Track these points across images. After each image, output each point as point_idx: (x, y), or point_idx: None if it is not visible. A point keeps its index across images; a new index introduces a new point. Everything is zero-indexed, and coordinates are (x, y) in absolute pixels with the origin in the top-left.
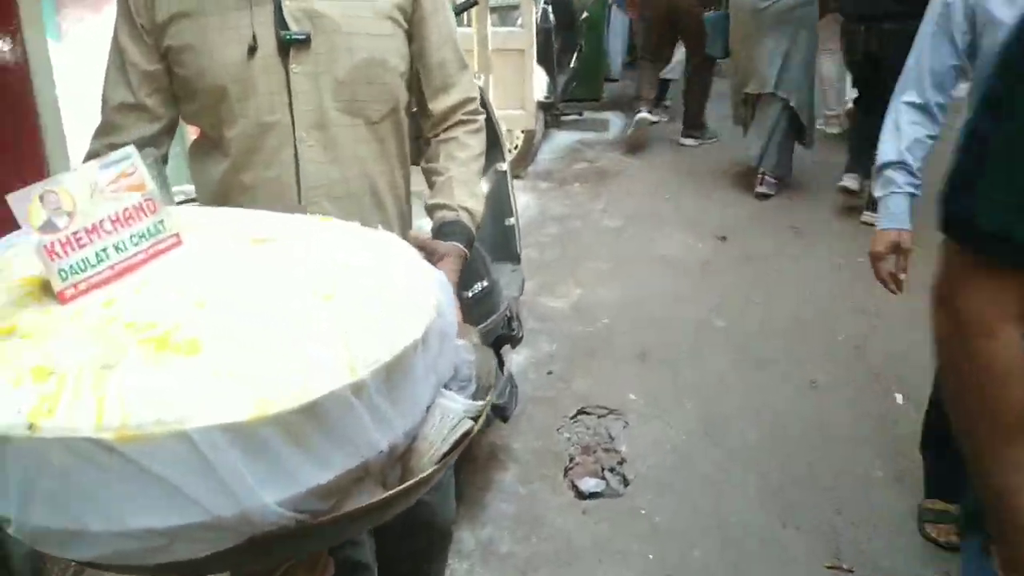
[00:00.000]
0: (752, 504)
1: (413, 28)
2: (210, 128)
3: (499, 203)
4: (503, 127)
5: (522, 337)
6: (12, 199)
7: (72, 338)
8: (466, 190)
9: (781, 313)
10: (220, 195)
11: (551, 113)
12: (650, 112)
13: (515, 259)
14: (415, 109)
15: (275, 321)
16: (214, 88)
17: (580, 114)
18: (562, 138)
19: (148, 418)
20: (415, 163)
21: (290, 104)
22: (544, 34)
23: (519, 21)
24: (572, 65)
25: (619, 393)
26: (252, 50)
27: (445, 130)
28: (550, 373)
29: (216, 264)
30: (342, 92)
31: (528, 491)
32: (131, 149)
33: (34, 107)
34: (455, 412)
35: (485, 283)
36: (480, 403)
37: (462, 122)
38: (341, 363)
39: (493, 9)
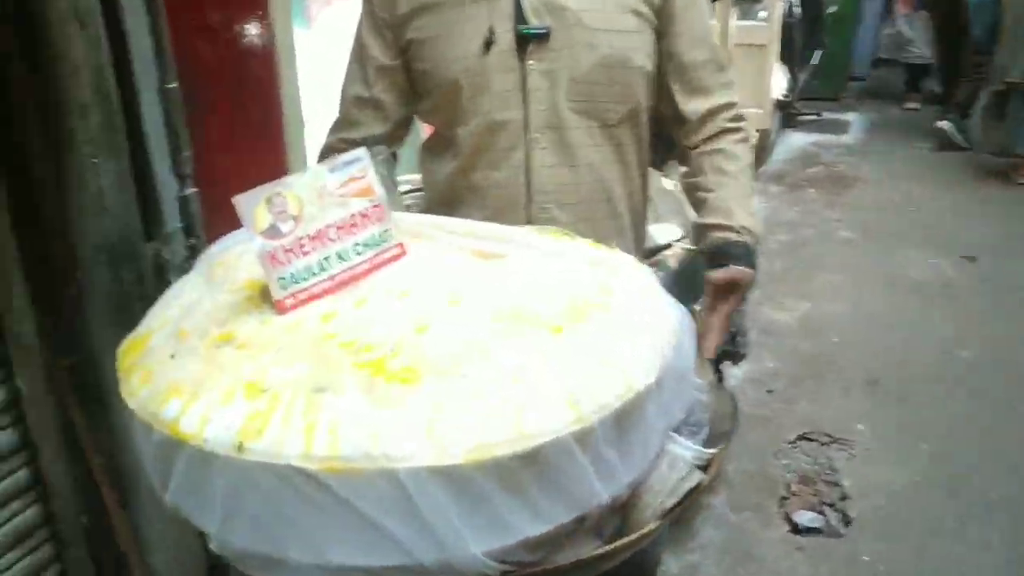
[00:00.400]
0: (995, 570)
1: (663, 24)
2: (443, 126)
3: None
4: None
5: (746, 354)
6: (239, 201)
7: (287, 353)
8: (743, 208)
9: None
10: (447, 195)
11: (788, 112)
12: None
13: None
14: (668, 114)
15: (498, 354)
16: (448, 83)
17: (818, 114)
18: (797, 139)
19: (357, 452)
20: (655, 167)
21: (524, 102)
22: (787, 28)
23: (762, 14)
24: (814, 62)
25: (845, 421)
26: (488, 44)
27: (707, 140)
28: (770, 392)
29: (440, 281)
30: (578, 91)
31: (739, 519)
32: (363, 152)
33: (278, 96)
34: (685, 461)
35: None
36: (712, 451)
37: (726, 130)
38: (567, 407)
39: (736, 1)
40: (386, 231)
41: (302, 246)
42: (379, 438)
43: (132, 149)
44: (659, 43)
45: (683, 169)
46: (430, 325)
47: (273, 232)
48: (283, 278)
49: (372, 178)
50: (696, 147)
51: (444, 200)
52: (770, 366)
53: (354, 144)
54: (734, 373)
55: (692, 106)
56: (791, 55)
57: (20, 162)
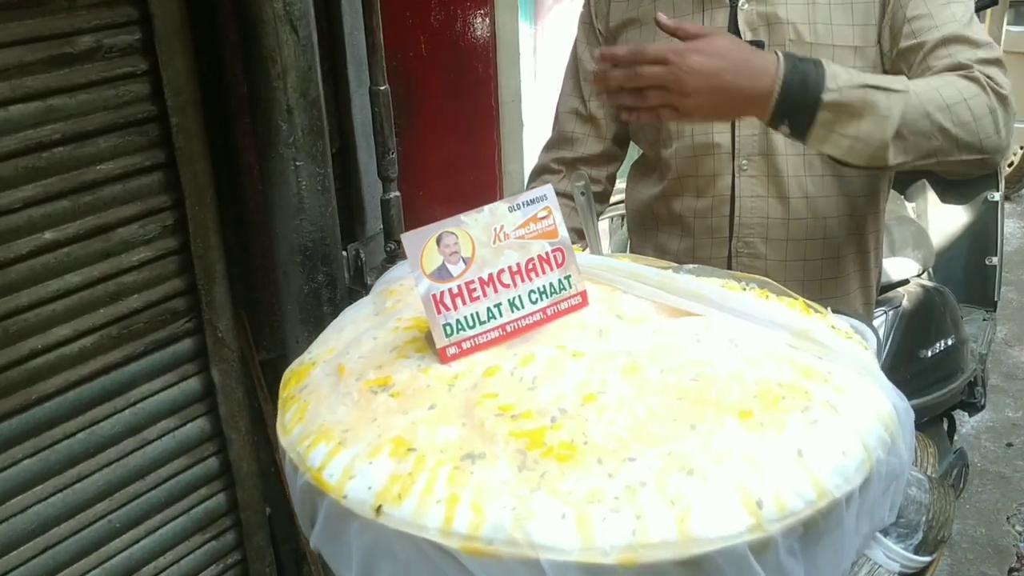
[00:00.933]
0: None
1: (891, 10)
2: (648, 147)
3: (982, 238)
4: None
5: (984, 405)
6: (406, 238)
7: (442, 410)
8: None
9: None
10: (648, 219)
11: None
12: None
13: (990, 305)
14: None
15: (671, 439)
16: None
17: None
18: None
19: (499, 534)
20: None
21: (732, 125)
22: None
23: None
24: None
25: None
26: None
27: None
28: (1010, 445)
29: (620, 341)
30: None
31: None
32: (548, 190)
33: (495, 96)
34: (889, 569)
35: (951, 340)
36: (925, 559)
37: (948, 68)
38: (744, 511)
39: (1012, 4)
40: (567, 278)
41: (472, 291)
42: (525, 522)
43: (341, 149)
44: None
45: None
46: (600, 395)
47: (442, 274)
48: (448, 324)
49: (557, 218)
50: None
51: (644, 223)
52: (1012, 416)
53: (569, 164)
54: (970, 422)
55: (916, 64)
56: None
57: (232, 159)
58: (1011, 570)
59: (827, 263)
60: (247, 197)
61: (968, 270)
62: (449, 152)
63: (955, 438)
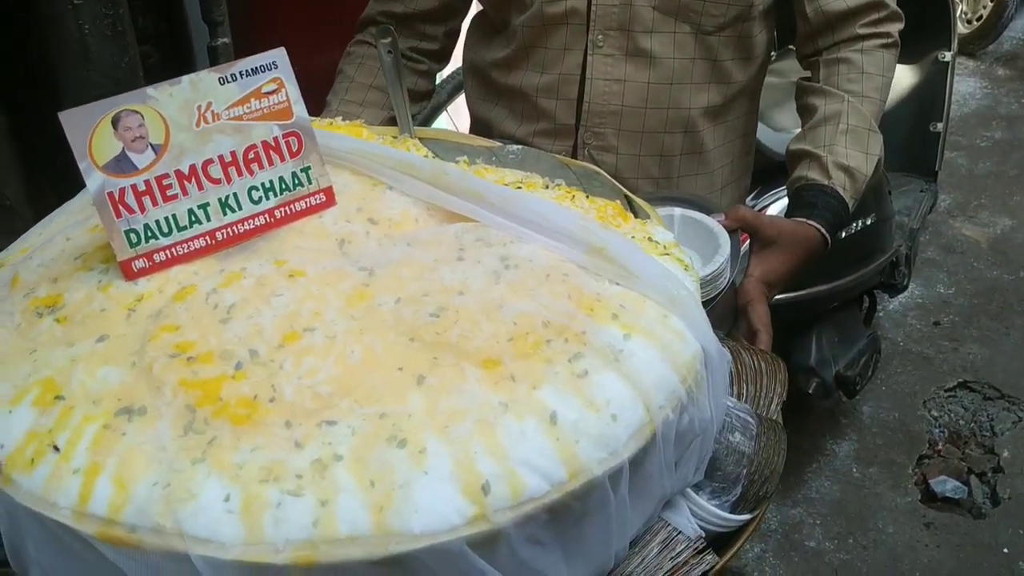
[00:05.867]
0: None
1: None
2: (493, 9)
3: (928, 102)
4: None
5: (906, 287)
6: (65, 118)
7: (113, 343)
8: (853, 142)
9: None
10: (486, 89)
11: None
12: None
13: (931, 175)
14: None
15: (388, 395)
16: None
17: None
18: None
19: (144, 520)
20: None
21: None
22: None
23: None
24: None
25: (1020, 374)
26: None
27: (834, 46)
28: (936, 324)
29: (364, 253)
30: None
31: (863, 475)
32: (279, 55)
33: None
34: (688, 540)
35: (870, 219)
36: (742, 518)
37: (862, 37)
38: (464, 497)
39: None
40: (304, 170)
41: (167, 187)
42: (177, 505)
43: None
44: None
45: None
46: (307, 332)
47: (122, 165)
48: (133, 231)
49: (291, 93)
50: (819, 53)
51: (482, 93)
52: (943, 292)
53: (398, 20)
54: (899, 298)
55: (821, 5)
56: None
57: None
58: (921, 457)
59: (687, 159)
60: (25, 46)
61: (910, 136)
62: None
63: (874, 320)
